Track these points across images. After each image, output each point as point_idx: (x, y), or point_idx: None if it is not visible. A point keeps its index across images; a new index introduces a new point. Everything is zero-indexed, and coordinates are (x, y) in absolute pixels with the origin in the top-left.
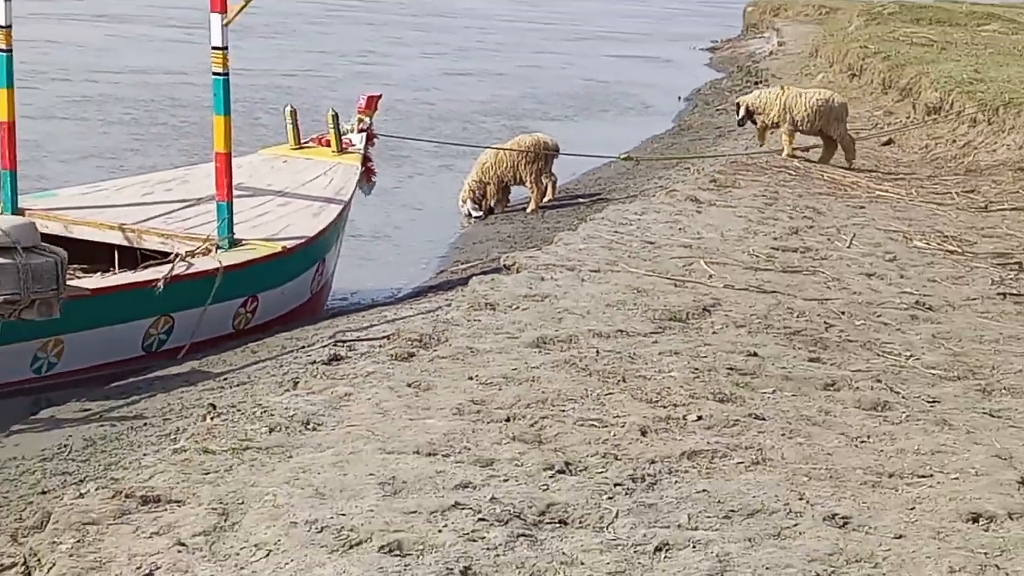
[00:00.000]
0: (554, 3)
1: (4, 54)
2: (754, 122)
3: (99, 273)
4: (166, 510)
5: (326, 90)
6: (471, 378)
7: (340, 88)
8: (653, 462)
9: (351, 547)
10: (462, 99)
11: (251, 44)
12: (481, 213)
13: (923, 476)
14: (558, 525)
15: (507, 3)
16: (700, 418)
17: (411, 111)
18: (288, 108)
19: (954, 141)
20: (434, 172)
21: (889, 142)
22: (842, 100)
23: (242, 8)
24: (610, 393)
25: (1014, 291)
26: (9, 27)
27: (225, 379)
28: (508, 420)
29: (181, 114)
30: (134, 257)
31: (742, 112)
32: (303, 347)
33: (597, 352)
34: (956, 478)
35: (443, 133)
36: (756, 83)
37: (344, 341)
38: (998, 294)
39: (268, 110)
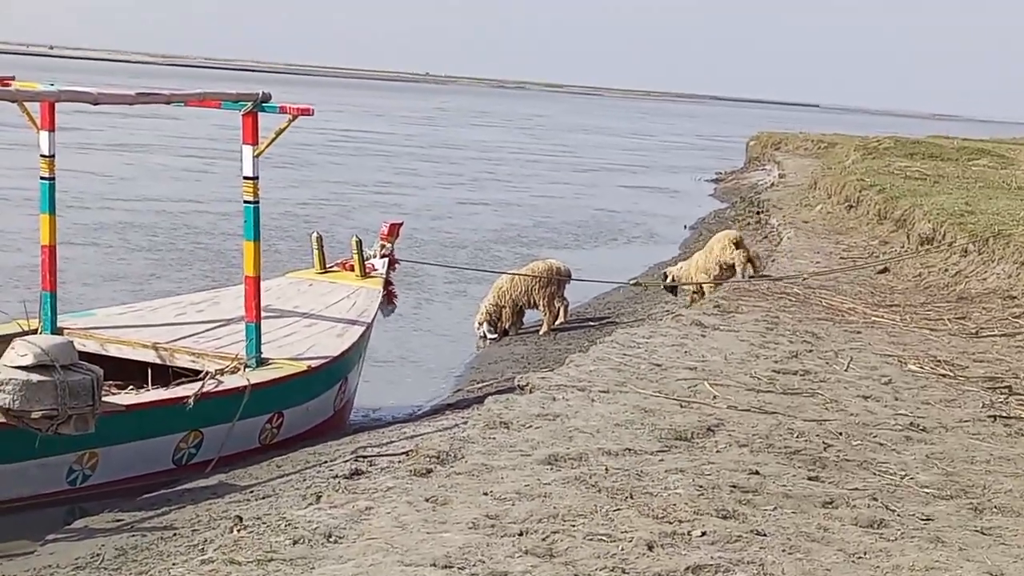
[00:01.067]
0: (556, 136)
1: (47, 182)
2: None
3: (133, 389)
4: None
5: (341, 218)
6: (486, 494)
7: (355, 216)
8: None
9: None
10: (475, 227)
11: (267, 174)
12: (496, 335)
13: None
14: None
15: (512, 135)
16: (704, 533)
17: (426, 239)
18: (314, 234)
19: (946, 270)
20: (449, 297)
21: (884, 270)
22: (736, 235)
23: (272, 140)
24: (618, 509)
25: (1004, 414)
26: (52, 156)
27: (251, 492)
28: (521, 534)
29: (199, 240)
30: (166, 374)
31: (668, 280)
32: (326, 462)
33: (606, 469)
34: None
35: (456, 260)
36: (758, 213)
37: (365, 456)
38: (988, 416)
39: (284, 237)
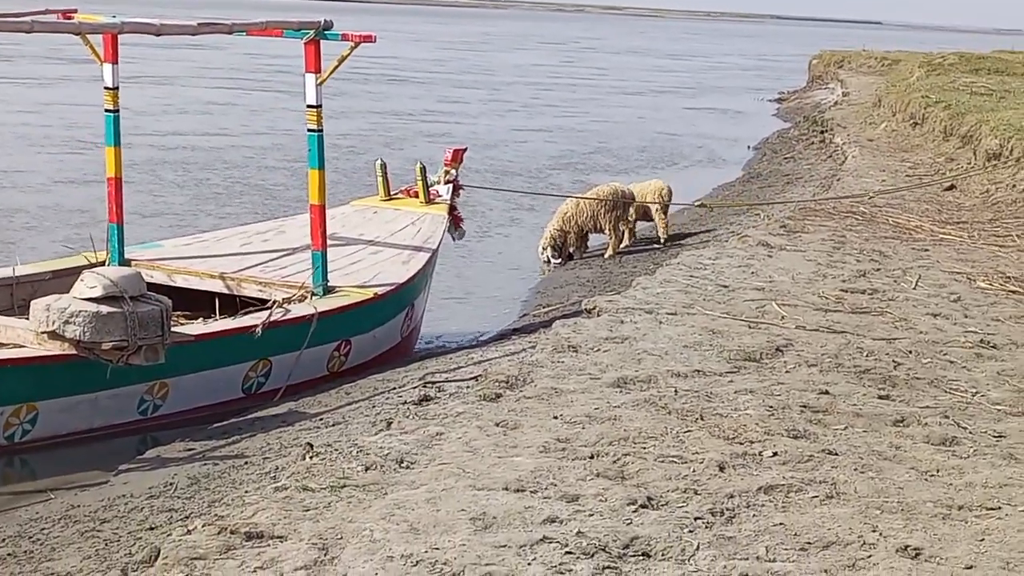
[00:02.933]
0: (590, 59)
1: (111, 114)
2: None
3: (201, 320)
4: (269, 545)
5: (388, 149)
6: (556, 417)
7: (404, 147)
8: (731, 496)
9: None
10: (530, 155)
11: (300, 106)
12: (560, 260)
13: (991, 508)
14: (642, 558)
15: (544, 57)
16: (775, 454)
17: (480, 168)
18: (378, 162)
19: (1014, 186)
20: (507, 225)
21: (951, 187)
22: (663, 195)
23: (335, 68)
24: (689, 431)
25: None
26: (116, 89)
27: (321, 419)
28: (592, 457)
29: (235, 175)
30: (234, 304)
31: None
32: (394, 388)
33: (675, 391)
34: (1023, 510)
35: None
36: (822, 132)
37: (434, 382)
38: None
39: (329, 170)
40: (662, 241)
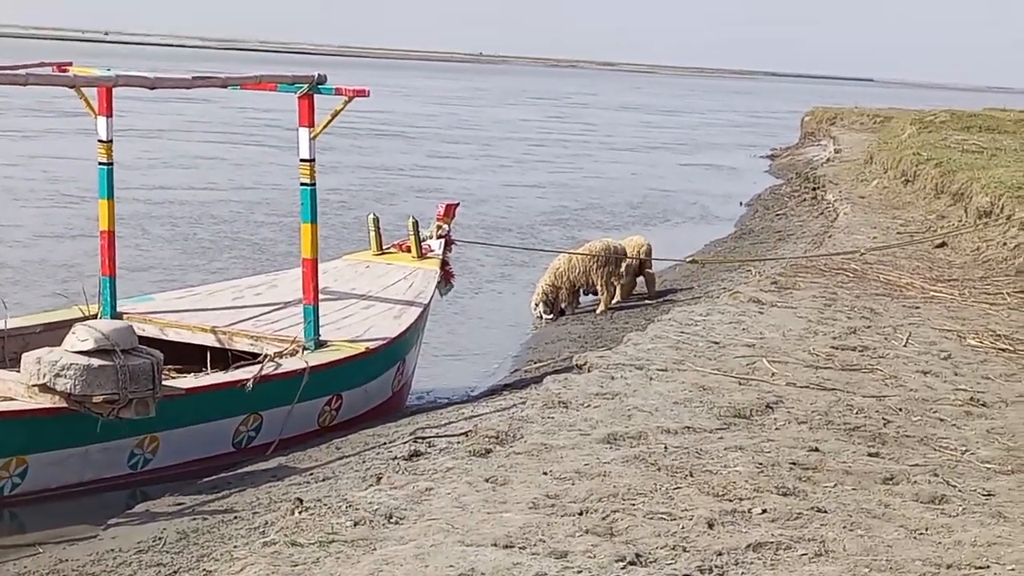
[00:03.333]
0: (584, 114)
1: (105, 167)
2: None
3: (192, 373)
4: None
5: (379, 204)
6: (545, 473)
7: (395, 202)
8: (720, 554)
9: None
10: (522, 210)
11: (291, 160)
12: (552, 315)
13: (980, 567)
14: None
15: (534, 113)
16: (765, 511)
17: (472, 223)
18: (371, 216)
19: (1005, 244)
20: (497, 279)
21: (942, 244)
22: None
23: (328, 122)
24: (678, 487)
25: None
26: (110, 142)
27: (311, 474)
28: (581, 513)
29: (223, 229)
30: (225, 358)
31: None
32: (385, 443)
33: (665, 448)
34: (1013, 569)
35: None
36: (814, 188)
37: (424, 437)
38: None
39: (321, 224)
40: (623, 296)
